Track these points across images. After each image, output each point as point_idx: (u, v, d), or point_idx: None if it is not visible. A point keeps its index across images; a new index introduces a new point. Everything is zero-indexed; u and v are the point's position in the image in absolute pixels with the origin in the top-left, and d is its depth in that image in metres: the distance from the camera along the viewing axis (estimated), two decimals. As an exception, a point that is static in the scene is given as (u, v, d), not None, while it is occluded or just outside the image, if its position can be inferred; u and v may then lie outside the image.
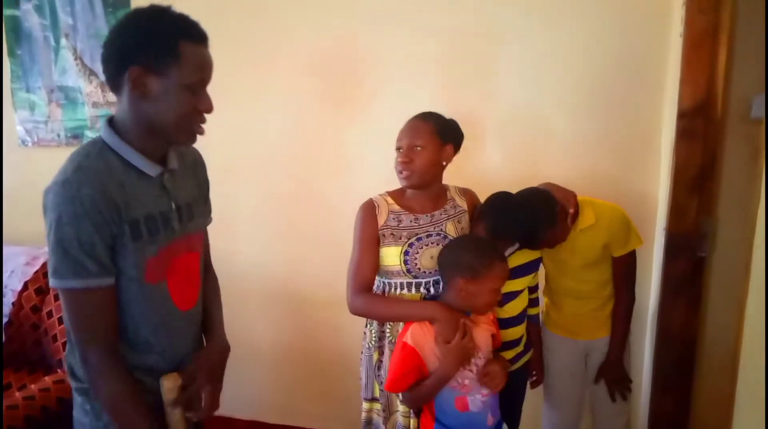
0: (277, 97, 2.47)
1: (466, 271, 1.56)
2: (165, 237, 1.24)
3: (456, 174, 1.86)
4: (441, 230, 1.71)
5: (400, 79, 2.31)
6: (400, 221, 1.69)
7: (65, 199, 1.08)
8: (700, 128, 1.91)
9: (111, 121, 1.22)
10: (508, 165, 2.23)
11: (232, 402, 2.68)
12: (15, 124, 2.81)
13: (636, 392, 2.23)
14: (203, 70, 1.18)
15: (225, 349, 1.41)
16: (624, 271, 1.97)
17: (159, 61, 1.12)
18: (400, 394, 1.67)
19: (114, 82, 1.18)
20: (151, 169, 1.22)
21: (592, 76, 2.13)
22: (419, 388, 1.58)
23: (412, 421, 1.70)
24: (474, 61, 2.23)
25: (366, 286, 1.68)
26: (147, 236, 1.20)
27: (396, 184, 1.75)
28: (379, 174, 2.34)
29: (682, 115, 1.92)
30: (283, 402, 2.72)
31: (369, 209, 1.71)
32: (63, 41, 2.67)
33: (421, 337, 1.58)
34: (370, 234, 1.69)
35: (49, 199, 1.11)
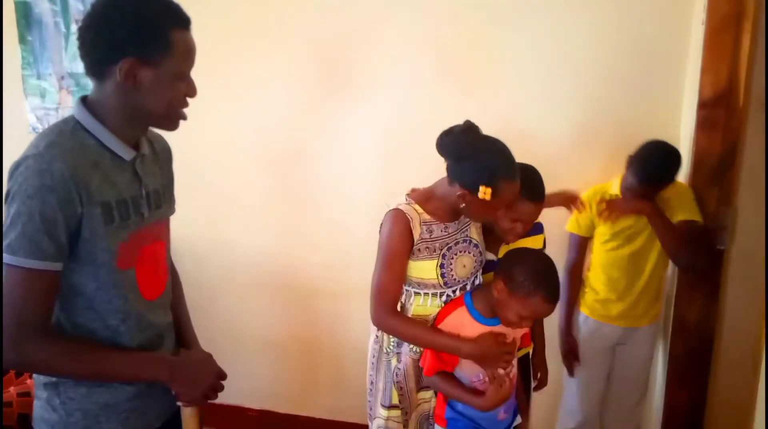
0: (279, 87, 2.41)
1: (510, 280, 1.52)
2: (135, 223, 1.20)
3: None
4: (467, 236, 1.65)
5: (400, 66, 2.26)
6: (432, 232, 1.60)
7: (35, 172, 1.04)
8: (721, 118, 1.88)
9: (85, 101, 1.17)
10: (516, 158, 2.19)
11: (242, 392, 2.69)
12: (26, 111, 2.79)
13: (650, 386, 2.22)
14: (191, 56, 1.17)
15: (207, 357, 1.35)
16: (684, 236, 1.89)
17: (152, 52, 1.10)
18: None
19: (97, 70, 1.13)
20: (126, 153, 1.18)
21: (608, 63, 2.08)
22: (447, 386, 1.61)
23: (432, 400, 1.71)
24: (477, 49, 2.18)
25: (394, 304, 1.60)
26: (119, 221, 1.16)
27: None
28: (378, 163, 2.34)
29: (703, 105, 1.88)
30: (294, 392, 2.71)
31: (403, 223, 1.56)
32: (73, 27, 2.64)
33: (456, 330, 1.58)
34: (402, 250, 1.57)
35: (17, 172, 1.06)
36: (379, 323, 1.62)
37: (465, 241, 1.65)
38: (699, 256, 1.89)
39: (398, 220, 1.57)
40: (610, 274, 2.02)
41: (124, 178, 1.19)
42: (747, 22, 1.81)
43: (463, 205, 1.54)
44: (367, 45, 2.28)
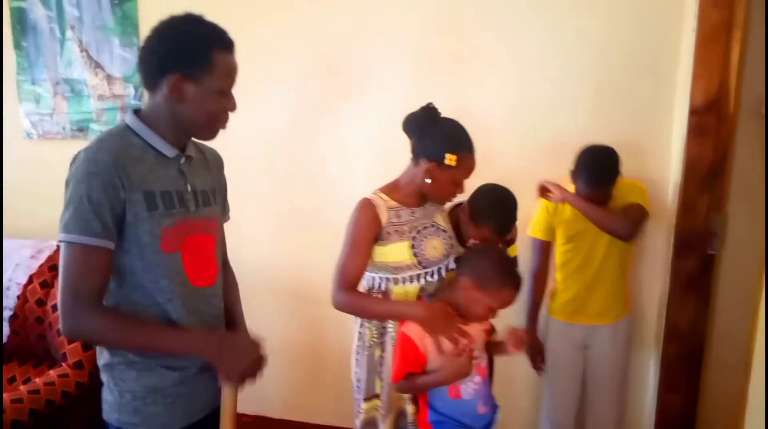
0: (279, 92, 2.44)
1: (478, 276, 1.58)
2: (180, 213, 1.32)
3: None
4: (434, 222, 1.73)
5: (400, 70, 2.29)
6: (400, 217, 1.69)
7: (84, 161, 1.21)
8: (712, 124, 1.90)
9: (137, 112, 1.33)
10: (508, 163, 2.21)
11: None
12: (20, 116, 2.79)
13: (642, 390, 2.23)
14: (231, 75, 1.32)
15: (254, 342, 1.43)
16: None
17: (195, 70, 1.25)
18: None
19: (150, 83, 1.30)
20: (169, 151, 1.32)
21: (600, 71, 2.10)
22: (415, 382, 1.63)
23: (410, 407, 1.73)
24: (475, 55, 2.21)
25: (352, 284, 1.68)
26: (162, 209, 1.28)
27: (389, 175, 1.77)
28: (381, 165, 2.32)
29: (694, 112, 1.91)
30: (288, 397, 2.71)
31: (369, 209, 1.67)
32: (69, 33, 2.65)
33: (420, 329, 1.60)
34: (367, 234, 1.67)
35: (74, 163, 1.24)
36: (335, 300, 1.68)
37: (433, 226, 1.73)
38: (636, 226, 1.93)
39: (365, 207, 1.68)
40: (565, 274, 2.09)
41: (169, 173, 1.32)
42: (737, 29, 1.84)
43: (429, 180, 1.64)
44: (367, 48, 2.31)
